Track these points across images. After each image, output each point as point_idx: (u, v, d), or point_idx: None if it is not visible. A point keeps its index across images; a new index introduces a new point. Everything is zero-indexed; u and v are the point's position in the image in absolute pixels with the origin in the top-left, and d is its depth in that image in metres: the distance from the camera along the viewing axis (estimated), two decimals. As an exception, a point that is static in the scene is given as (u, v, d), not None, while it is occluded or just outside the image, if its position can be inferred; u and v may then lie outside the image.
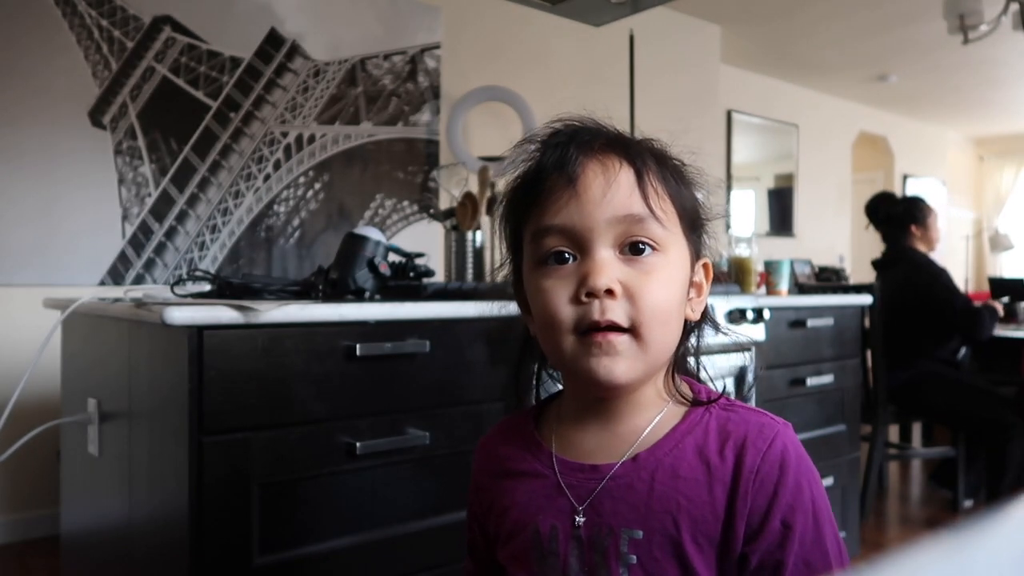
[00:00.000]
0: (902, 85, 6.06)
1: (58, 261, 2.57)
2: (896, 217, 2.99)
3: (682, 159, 0.73)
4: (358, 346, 1.29)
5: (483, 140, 3.53)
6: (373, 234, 1.46)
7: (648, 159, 0.69)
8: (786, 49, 5.22)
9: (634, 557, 0.66)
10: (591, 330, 0.65)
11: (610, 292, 0.65)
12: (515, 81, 3.55)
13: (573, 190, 0.66)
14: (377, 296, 1.45)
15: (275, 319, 1.21)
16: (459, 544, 0.96)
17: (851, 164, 6.69)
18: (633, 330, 0.65)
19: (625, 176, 0.67)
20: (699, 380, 0.77)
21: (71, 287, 2.51)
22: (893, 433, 3.44)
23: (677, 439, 0.69)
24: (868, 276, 7.11)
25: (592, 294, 0.65)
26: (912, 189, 7.34)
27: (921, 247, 2.96)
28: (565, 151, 0.68)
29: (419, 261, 1.56)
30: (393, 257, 1.53)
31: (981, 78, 5.91)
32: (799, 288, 2.78)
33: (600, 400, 0.71)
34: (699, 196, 0.74)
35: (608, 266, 0.65)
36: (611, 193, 0.66)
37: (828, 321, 2.18)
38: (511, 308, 0.78)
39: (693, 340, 0.76)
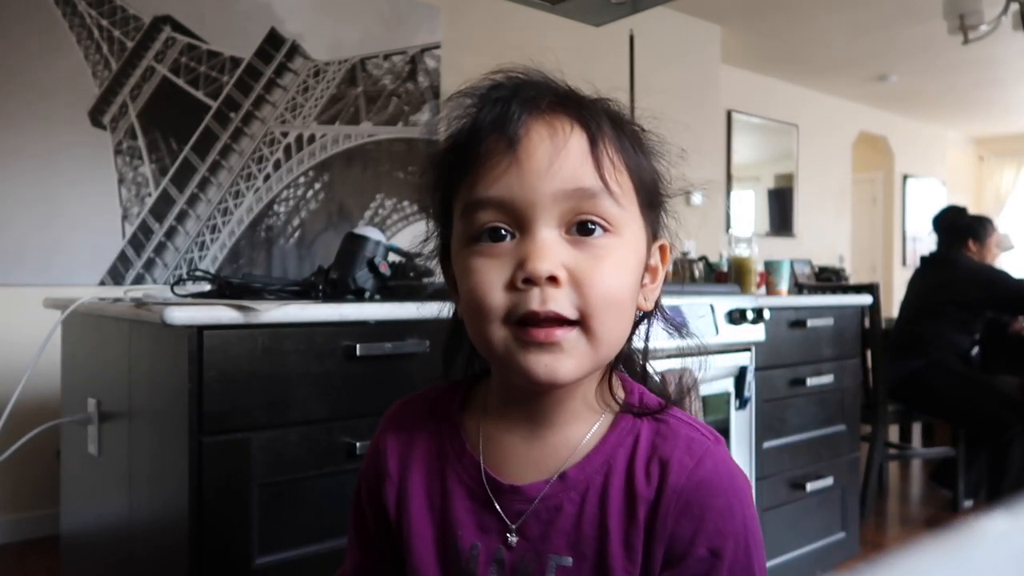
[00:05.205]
0: (902, 85, 6.06)
1: (58, 261, 2.57)
2: (961, 228, 3.09)
3: (641, 124, 0.64)
4: (358, 346, 1.29)
5: (483, 140, 3.53)
6: (373, 234, 1.46)
7: (604, 122, 0.59)
8: (786, 49, 5.22)
9: None
10: (528, 322, 0.56)
11: (553, 279, 0.55)
12: (515, 81, 3.55)
13: (514, 156, 0.56)
14: (377, 296, 1.45)
15: (275, 319, 1.21)
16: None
17: (851, 164, 6.68)
18: (582, 322, 0.56)
19: (577, 142, 0.57)
20: (641, 377, 0.68)
21: (71, 287, 2.51)
22: (893, 433, 3.44)
23: (608, 453, 0.61)
24: (868, 276, 7.09)
25: (531, 281, 0.55)
26: (912, 189, 7.34)
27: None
28: (506, 108, 0.58)
29: (419, 261, 1.56)
30: (393, 257, 1.53)
31: (981, 78, 5.91)
32: (799, 288, 2.78)
33: (529, 401, 0.63)
34: (659, 168, 0.64)
35: (551, 249, 0.56)
36: (559, 162, 0.56)
37: (828, 321, 2.18)
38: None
39: (640, 335, 0.66)
